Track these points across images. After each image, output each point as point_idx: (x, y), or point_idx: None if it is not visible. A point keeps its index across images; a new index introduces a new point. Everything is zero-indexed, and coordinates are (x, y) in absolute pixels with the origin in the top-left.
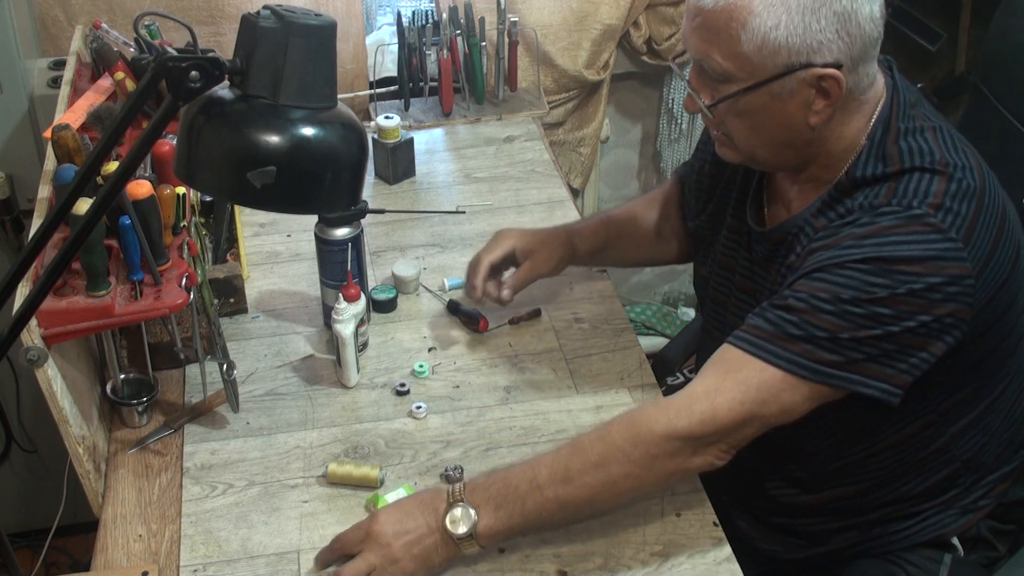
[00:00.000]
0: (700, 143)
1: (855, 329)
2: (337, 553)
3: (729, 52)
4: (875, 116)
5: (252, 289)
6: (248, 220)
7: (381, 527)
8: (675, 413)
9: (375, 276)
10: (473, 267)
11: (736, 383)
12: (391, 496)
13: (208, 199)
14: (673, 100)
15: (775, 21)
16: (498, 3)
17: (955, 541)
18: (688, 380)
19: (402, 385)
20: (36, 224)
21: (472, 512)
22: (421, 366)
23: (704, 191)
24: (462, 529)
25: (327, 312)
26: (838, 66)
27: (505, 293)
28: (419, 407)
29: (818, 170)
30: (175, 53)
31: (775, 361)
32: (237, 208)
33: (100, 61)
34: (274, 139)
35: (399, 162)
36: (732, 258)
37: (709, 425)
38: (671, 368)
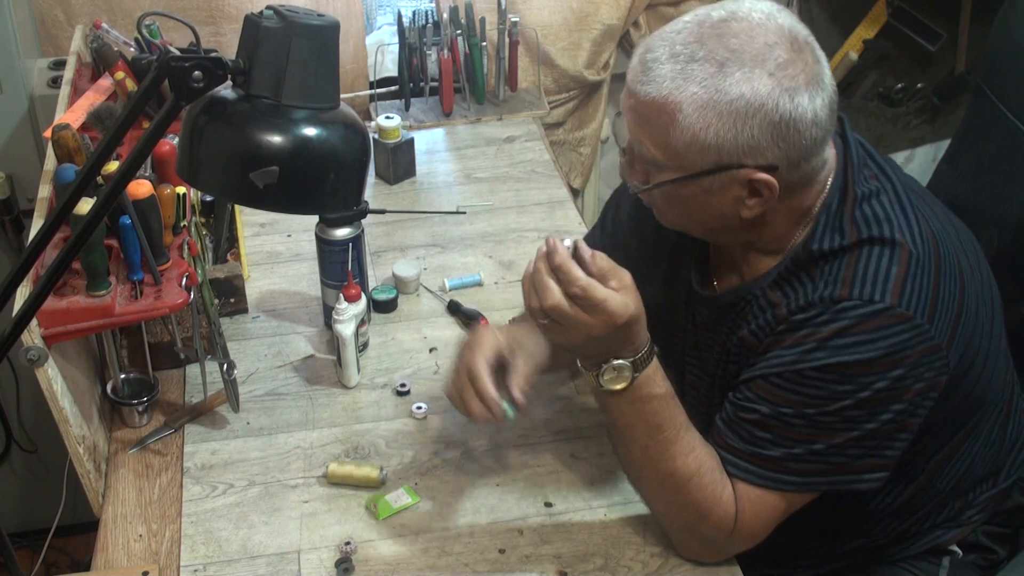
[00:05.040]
0: (613, 220)
1: (831, 435)
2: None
3: (660, 142)
4: (828, 184)
5: (252, 289)
6: (248, 220)
7: (609, 314)
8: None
9: (376, 276)
10: (471, 375)
11: (752, 514)
12: (391, 496)
13: (208, 199)
14: None
15: (704, 123)
16: (498, 3)
17: (954, 547)
18: None
19: (402, 385)
20: (36, 224)
21: (629, 378)
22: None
23: (645, 259)
24: (615, 386)
25: (328, 312)
26: (773, 168)
27: (517, 395)
28: (419, 407)
29: (766, 243)
30: (178, 53)
31: (766, 484)
32: (237, 208)
33: (100, 61)
34: (277, 139)
35: (399, 162)
36: (672, 321)
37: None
38: None
